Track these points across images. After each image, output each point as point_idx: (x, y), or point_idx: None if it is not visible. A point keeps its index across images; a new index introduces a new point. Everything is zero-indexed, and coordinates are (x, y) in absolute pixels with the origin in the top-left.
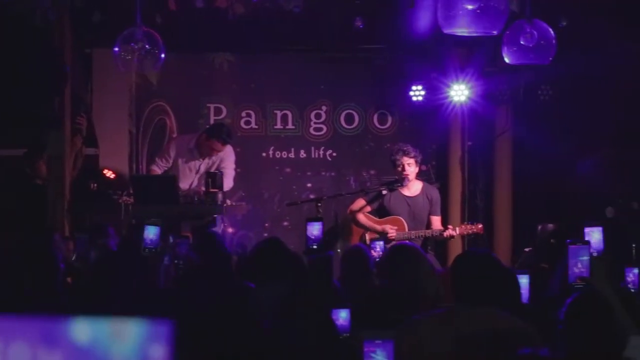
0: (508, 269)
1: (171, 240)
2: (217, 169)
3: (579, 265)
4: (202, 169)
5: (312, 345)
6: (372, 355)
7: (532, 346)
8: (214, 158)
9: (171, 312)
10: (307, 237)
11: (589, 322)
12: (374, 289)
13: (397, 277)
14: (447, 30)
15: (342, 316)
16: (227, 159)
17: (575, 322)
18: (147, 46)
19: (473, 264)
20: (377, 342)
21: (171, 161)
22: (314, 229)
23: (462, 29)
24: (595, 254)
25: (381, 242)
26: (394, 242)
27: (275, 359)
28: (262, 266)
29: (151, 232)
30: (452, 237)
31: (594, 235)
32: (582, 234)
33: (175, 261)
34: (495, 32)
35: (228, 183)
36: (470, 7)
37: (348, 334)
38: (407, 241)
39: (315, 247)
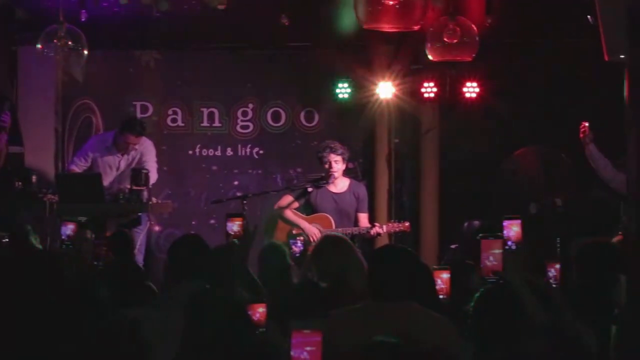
0: (424, 265)
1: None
2: (138, 164)
3: (491, 258)
4: (123, 165)
5: (227, 341)
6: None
7: (448, 341)
8: (133, 153)
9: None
10: (227, 233)
11: (497, 315)
12: (294, 285)
13: (325, 267)
14: (367, 26)
15: (259, 311)
16: (147, 154)
17: (484, 315)
18: (70, 43)
19: (389, 259)
20: (305, 332)
21: (90, 160)
22: (235, 225)
23: (381, 25)
24: (513, 247)
25: (302, 238)
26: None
27: (191, 357)
28: (178, 263)
29: (68, 229)
30: (379, 234)
31: (513, 229)
32: (501, 228)
33: (95, 262)
34: (415, 28)
35: (152, 177)
36: (390, 2)
37: (264, 329)
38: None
39: (236, 242)
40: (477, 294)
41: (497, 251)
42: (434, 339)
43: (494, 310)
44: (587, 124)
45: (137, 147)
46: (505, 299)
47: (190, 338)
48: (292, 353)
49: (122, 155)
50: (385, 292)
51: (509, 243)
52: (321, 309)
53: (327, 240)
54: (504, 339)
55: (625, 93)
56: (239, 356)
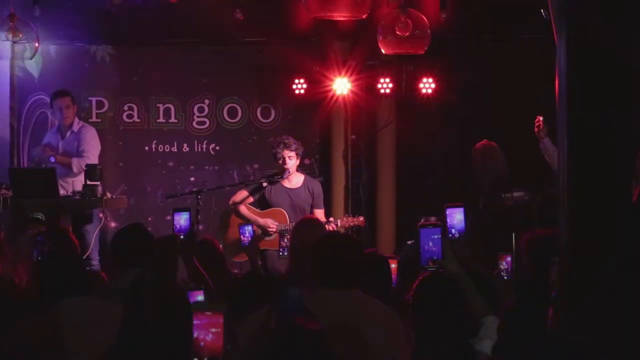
0: (376, 254)
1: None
2: (78, 150)
3: (431, 244)
4: (61, 148)
5: (165, 327)
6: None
7: (391, 329)
8: (69, 136)
9: None
10: (173, 227)
11: (436, 303)
12: (234, 275)
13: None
14: (314, 15)
15: (198, 299)
16: (84, 140)
17: (422, 303)
18: (21, 35)
19: (332, 247)
20: (208, 313)
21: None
22: (181, 219)
23: (329, 13)
24: (457, 235)
25: (249, 227)
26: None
27: (130, 343)
28: (121, 253)
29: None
30: (333, 230)
31: (456, 216)
32: (444, 215)
33: (39, 258)
34: (363, 16)
35: (84, 161)
36: None
37: None
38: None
39: (182, 236)
40: (417, 282)
41: (436, 239)
42: (376, 327)
43: (432, 298)
44: (541, 118)
45: (74, 129)
46: (444, 287)
47: (128, 324)
48: (195, 335)
49: (61, 138)
50: (328, 280)
51: (452, 231)
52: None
53: (302, 222)
54: (443, 326)
55: (556, 83)
56: (177, 342)
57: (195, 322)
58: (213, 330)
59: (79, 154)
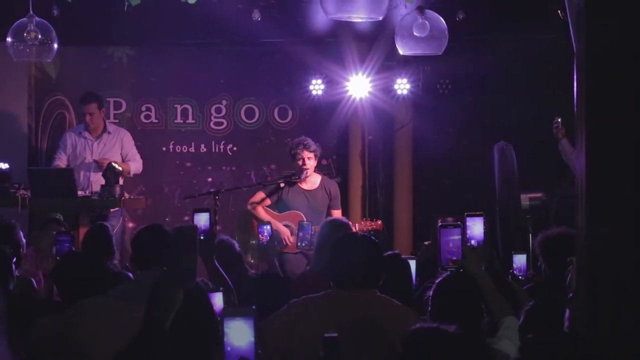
0: (394, 254)
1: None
2: (119, 157)
3: (451, 245)
4: (96, 150)
5: (187, 326)
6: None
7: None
8: (106, 139)
9: None
10: None
11: (455, 302)
12: (249, 276)
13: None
14: (331, 16)
15: (217, 300)
16: (127, 145)
17: (442, 303)
18: (39, 36)
19: (351, 247)
20: (237, 318)
21: (68, 149)
22: (201, 220)
23: (345, 14)
24: (475, 244)
25: (268, 227)
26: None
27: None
28: (142, 253)
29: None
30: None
31: (475, 226)
32: (464, 224)
33: (58, 257)
34: (379, 18)
35: (139, 166)
36: None
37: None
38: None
39: (202, 237)
40: (437, 281)
41: (456, 239)
42: (395, 328)
43: (452, 298)
44: (559, 120)
45: (110, 131)
46: (464, 287)
47: (150, 322)
48: (226, 340)
49: (95, 139)
50: (346, 280)
51: (471, 241)
52: (283, 300)
53: (328, 224)
54: (461, 326)
55: (575, 84)
56: (199, 342)
57: (225, 329)
58: (243, 333)
59: (125, 158)
